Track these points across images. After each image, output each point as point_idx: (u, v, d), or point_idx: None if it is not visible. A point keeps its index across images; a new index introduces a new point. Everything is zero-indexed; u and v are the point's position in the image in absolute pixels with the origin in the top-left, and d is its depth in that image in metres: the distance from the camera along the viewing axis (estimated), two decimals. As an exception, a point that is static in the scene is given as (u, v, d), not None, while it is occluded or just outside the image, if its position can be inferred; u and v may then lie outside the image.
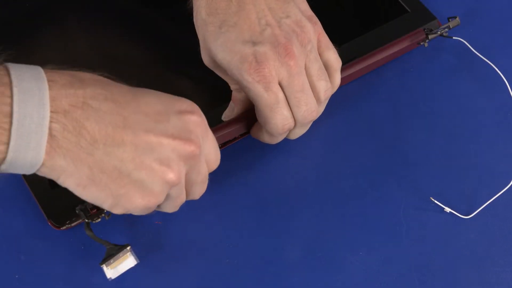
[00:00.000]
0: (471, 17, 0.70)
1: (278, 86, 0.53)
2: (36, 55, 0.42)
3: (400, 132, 0.63)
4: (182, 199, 0.50)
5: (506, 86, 0.64)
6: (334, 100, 0.62)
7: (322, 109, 0.58)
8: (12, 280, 0.53)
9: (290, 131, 0.57)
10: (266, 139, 0.57)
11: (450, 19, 0.66)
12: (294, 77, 0.53)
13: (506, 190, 0.59)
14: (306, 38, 0.54)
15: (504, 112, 0.64)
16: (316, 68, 0.55)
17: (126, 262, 0.52)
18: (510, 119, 0.64)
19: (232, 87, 0.58)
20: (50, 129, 0.41)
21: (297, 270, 0.55)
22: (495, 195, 0.59)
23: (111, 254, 0.52)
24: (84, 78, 0.44)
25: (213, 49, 0.54)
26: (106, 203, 0.46)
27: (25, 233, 0.55)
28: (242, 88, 0.54)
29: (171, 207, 0.50)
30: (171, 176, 0.45)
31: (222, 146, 0.58)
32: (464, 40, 0.65)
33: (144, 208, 0.47)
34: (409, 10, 0.68)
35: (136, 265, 0.52)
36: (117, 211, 0.46)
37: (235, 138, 0.59)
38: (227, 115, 0.59)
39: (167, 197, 0.48)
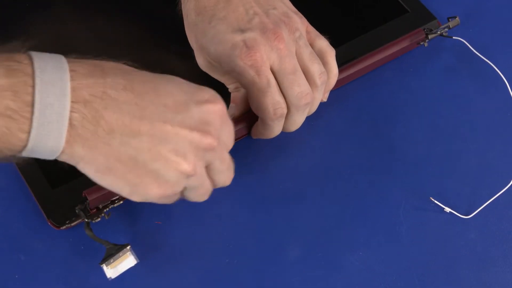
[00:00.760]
0: (471, 17, 0.70)
1: (269, 70, 0.54)
2: (28, 41, 0.43)
3: (400, 132, 0.63)
4: (206, 188, 0.50)
5: (506, 85, 0.64)
6: (334, 100, 0.62)
7: (319, 96, 0.58)
8: (12, 280, 0.53)
9: (287, 119, 0.57)
10: (262, 130, 0.57)
11: (450, 19, 0.66)
12: (285, 60, 0.54)
13: (506, 190, 0.59)
14: (293, 26, 0.55)
15: (504, 112, 0.64)
16: (307, 52, 0.56)
17: (126, 261, 0.52)
18: (510, 118, 0.64)
19: (230, 87, 0.58)
20: (70, 118, 0.42)
21: (297, 270, 0.55)
22: (495, 195, 0.59)
23: (111, 253, 0.52)
24: (105, 67, 0.44)
25: (204, 44, 0.55)
26: (124, 191, 0.46)
27: (25, 233, 0.55)
28: (235, 77, 0.55)
29: (196, 197, 0.51)
30: (186, 167, 0.46)
31: None
32: (464, 40, 0.65)
33: (162, 197, 0.47)
34: (409, 10, 0.68)
35: (136, 265, 0.52)
36: (135, 199, 0.47)
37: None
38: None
39: (188, 187, 0.49)
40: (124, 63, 0.46)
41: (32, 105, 0.41)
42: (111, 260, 0.52)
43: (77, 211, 0.53)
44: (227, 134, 0.50)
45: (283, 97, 0.55)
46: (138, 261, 0.53)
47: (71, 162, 0.44)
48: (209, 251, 0.55)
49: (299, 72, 0.55)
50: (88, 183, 0.55)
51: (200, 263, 0.55)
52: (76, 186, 0.55)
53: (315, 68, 0.56)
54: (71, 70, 0.42)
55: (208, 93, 0.48)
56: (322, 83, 0.57)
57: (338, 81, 0.60)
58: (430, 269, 0.56)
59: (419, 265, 0.56)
